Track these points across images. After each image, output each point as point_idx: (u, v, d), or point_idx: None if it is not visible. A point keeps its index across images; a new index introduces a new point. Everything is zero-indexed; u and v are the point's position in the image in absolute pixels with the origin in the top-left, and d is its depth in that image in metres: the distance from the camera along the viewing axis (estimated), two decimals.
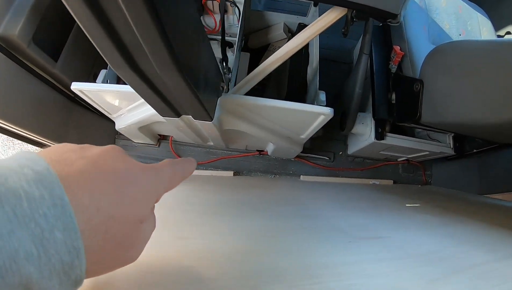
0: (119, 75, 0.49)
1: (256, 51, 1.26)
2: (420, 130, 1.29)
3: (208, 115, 0.79)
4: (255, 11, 1.26)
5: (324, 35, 1.43)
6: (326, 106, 0.86)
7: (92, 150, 0.22)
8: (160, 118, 0.78)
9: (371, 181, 1.26)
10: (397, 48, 0.99)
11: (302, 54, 1.16)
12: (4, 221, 0.15)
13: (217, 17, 1.20)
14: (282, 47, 0.84)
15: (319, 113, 0.86)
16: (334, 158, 1.29)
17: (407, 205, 0.89)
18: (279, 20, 1.27)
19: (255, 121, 0.94)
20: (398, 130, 1.16)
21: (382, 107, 1.08)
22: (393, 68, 1.02)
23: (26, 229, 0.15)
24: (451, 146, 1.21)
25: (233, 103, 0.85)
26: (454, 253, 0.47)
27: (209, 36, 1.22)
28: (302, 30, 0.82)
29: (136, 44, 0.39)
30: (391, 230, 0.59)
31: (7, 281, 0.14)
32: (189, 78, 0.49)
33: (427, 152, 1.20)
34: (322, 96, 0.99)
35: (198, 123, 0.83)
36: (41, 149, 0.20)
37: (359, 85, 1.06)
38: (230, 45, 1.13)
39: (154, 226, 0.26)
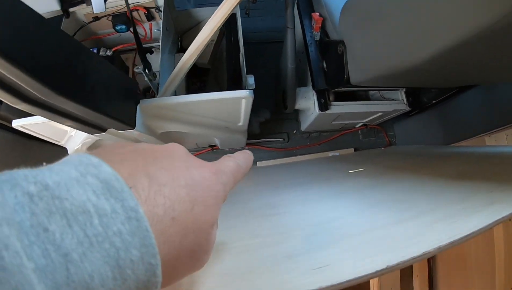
0: (22, 109, 0.51)
1: None
2: (373, 92, 1.26)
3: (127, 124, 0.80)
4: (184, 10, 1.26)
5: (258, 18, 1.42)
6: (254, 89, 0.85)
7: (156, 151, 0.20)
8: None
9: (330, 153, 1.24)
10: (315, 15, 0.98)
11: (232, 42, 1.15)
12: (74, 244, 0.13)
13: (146, 26, 1.21)
14: (195, 38, 0.83)
15: (239, 98, 0.85)
16: (289, 138, 1.28)
17: (350, 171, 0.88)
18: (209, 14, 1.26)
19: (186, 120, 0.94)
20: (349, 97, 1.14)
21: (319, 77, 1.06)
22: (317, 36, 1.00)
23: (99, 250, 0.13)
24: (405, 101, 1.17)
25: (155, 107, 0.86)
26: (349, 221, 0.44)
27: (144, 45, 1.23)
28: (211, 16, 0.81)
29: (13, 81, 0.41)
30: (295, 204, 0.58)
31: None
32: (80, 98, 0.51)
33: (381, 113, 1.17)
34: (250, 79, 0.98)
35: (126, 132, 0.85)
36: (93, 150, 0.18)
37: (291, 60, 1.05)
38: (151, 51, 1.14)
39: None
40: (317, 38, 1.00)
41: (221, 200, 0.22)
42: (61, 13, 1.05)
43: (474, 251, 1.21)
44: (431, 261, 1.45)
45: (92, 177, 0.14)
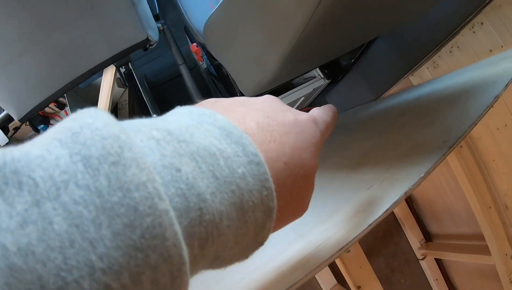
0: None
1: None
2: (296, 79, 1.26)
3: None
4: (88, 85, 1.29)
5: (159, 58, 1.42)
6: None
7: (254, 102, 0.20)
8: None
9: None
10: (192, 47, 0.98)
11: (136, 94, 1.18)
12: (205, 184, 0.13)
13: (63, 114, 1.25)
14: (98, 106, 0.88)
15: None
16: None
17: None
18: None
19: None
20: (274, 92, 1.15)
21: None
22: (203, 64, 1.01)
23: (227, 191, 0.13)
24: (321, 76, 1.17)
25: None
26: None
27: None
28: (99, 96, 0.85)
29: None
30: None
31: (205, 252, 0.13)
32: None
33: (303, 97, 1.17)
34: None
35: None
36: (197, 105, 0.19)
37: (195, 93, 1.07)
38: None
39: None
40: (204, 66, 1.01)
41: (320, 148, 0.22)
42: None
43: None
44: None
45: (208, 124, 0.15)
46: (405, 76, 1.13)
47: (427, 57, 1.00)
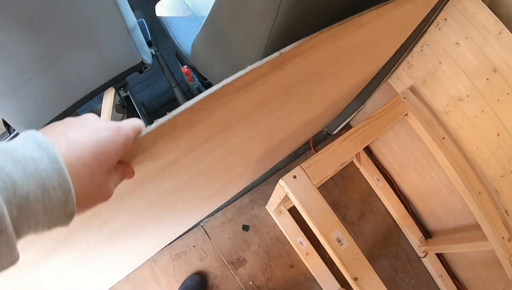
0: None
1: None
2: None
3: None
4: (89, 112, 1.35)
5: (154, 84, 1.50)
6: None
7: (73, 122, 0.29)
8: None
9: None
10: (183, 69, 1.05)
11: None
12: (18, 175, 0.21)
13: None
14: None
15: None
16: None
17: None
18: None
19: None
20: None
21: None
22: (193, 85, 1.08)
23: (32, 179, 0.22)
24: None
25: None
26: None
27: None
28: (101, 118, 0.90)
29: None
30: None
31: (23, 215, 0.21)
32: None
33: None
34: None
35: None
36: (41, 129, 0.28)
37: None
38: None
39: (121, 177, 0.33)
40: (195, 86, 1.08)
41: (120, 148, 0.30)
42: None
43: None
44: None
45: (31, 141, 0.24)
46: (385, 80, 1.21)
47: (401, 58, 1.09)
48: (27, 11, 0.63)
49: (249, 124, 0.65)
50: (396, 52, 1.03)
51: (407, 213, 1.49)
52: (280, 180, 0.92)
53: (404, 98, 1.07)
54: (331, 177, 1.52)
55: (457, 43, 0.87)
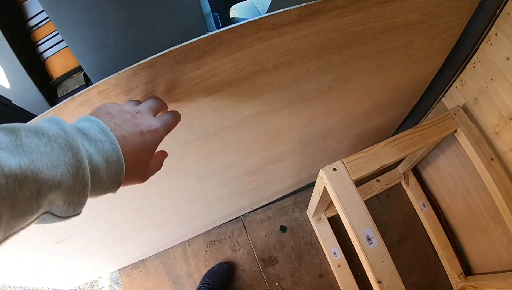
0: None
1: None
2: None
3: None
4: None
5: None
6: None
7: (124, 116, 0.38)
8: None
9: None
10: None
11: None
12: (92, 150, 0.30)
13: None
14: None
15: None
16: None
17: None
18: None
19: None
20: None
21: None
22: None
23: (101, 155, 0.31)
24: None
25: None
26: None
27: None
28: None
29: None
30: None
31: (94, 179, 0.30)
32: None
33: None
34: None
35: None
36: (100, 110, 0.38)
37: None
38: None
39: (159, 166, 0.45)
40: None
41: (157, 142, 0.41)
42: None
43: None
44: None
45: (96, 126, 0.33)
46: (439, 99, 1.23)
47: (455, 77, 1.11)
48: None
49: (284, 78, 0.72)
50: (445, 65, 1.06)
51: (449, 243, 1.42)
52: (321, 170, 0.96)
53: (455, 114, 1.08)
54: (376, 195, 1.51)
55: (508, 58, 0.88)
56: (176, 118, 0.47)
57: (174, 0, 0.86)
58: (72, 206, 0.28)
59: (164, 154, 0.49)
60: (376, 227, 0.91)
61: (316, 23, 0.60)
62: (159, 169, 0.44)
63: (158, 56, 0.49)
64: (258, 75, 0.65)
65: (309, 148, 1.14)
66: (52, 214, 0.28)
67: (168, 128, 0.43)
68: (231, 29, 0.50)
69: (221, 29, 0.50)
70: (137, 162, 0.37)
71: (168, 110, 0.50)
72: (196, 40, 0.50)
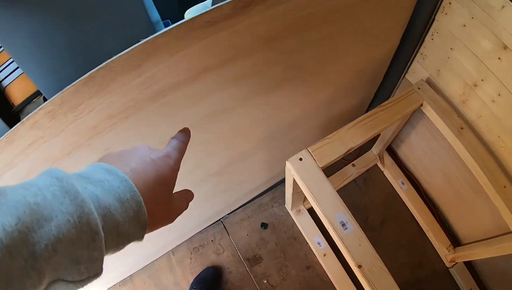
0: None
1: None
2: None
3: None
4: None
5: None
6: None
7: (130, 154, 0.33)
8: None
9: None
10: None
11: None
12: (99, 192, 0.25)
13: None
14: None
15: None
16: None
17: None
18: None
19: None
20: None
21: None
22: None
23: (109, 195, 0.25)
24: None
25: None
26: None
27: None
28: None
29: None
30: None
31: (107, 225, 0.24)
32: None
33: None
34: None
35: None
36: (103, 158, 0.33)
37: None
38: None
39: (185, 205, 0.38)
40: None
41: (176, 171, 0.35)
42: None
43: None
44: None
45: (100, 168, 0.28)
46: (403, 76, 1.21)
47: (415, 51, 1.09)
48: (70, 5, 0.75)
49: (230, 75, 0.69)
50: (403, 41, 1.04)
51: (434, 218, 1.40)
52: (287, 162, 0.93)
53: (418, 88, 1.06)
54: (354, 180, 1.49)
55: (464, 25, 0.86)
56: (183, 137, 0.41)
57: (120, 13, 0.83)
58: (85, 265, 0.23)
59: (188, 192, 0.41)
60: (350, 212, 0.88)
61: (253, 14, 0.58)
62: (186, 207, 0.39)
63: (96, 70, 0.49)
64: (202, 75, 0.64)
65: (275, 143, 1.11)
66: (64, 280, 0.22)
67: (178, 149, 0.38)
68: (164, 33, 0.49)
69: (154, 35, 0.48)
70: (157, 196, 0.31)
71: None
72: (131, 49, 0.48)
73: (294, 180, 0.98)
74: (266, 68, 0.75)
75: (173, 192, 0.35)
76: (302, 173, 0.91)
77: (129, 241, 0.27)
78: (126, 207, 0.26)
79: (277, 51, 0.71)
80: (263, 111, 0.91)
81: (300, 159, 0.93)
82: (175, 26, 0.50)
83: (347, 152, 0.96)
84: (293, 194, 1.15)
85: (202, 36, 0.55)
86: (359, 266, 0.84)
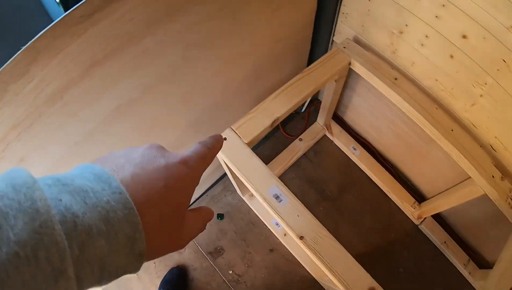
0: None
1: None
2: None
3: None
4: None
5: None
6: None
7: (136, 153, 0.25)
8: None
9: None
10: None
11: None
12: (78, 207, 0.18)
13: None
14: None
15: None
16: None
17: None
18: None
19: None
20: None
21: None
22: None
23: (94, 211, 0.18)
24: None
25: None
26: None
27: None
28: None
29: None
30: None
31: (85, 255, 0.17)
32: None
33: None
34: None
35: None
36: (102, 157, 0.25)
37: None
38: None
39: (202, 226, 0.29)
40: None
41: (193, 182, 0.26)
42: None
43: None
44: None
45: (87, 173, 0.21)
46: (331, 40, 1.16)
47: (336, 12, 1.03)
48: None
49: (123, 65, 0.65)
50: (321, 3, 0.99)
51: (393, 178, 1.37)
52: None
53: (344, 47, 1.01)
54: (304, 154, 1.45)
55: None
56: (211, 144, 0.30)
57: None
58: None
59: (207, 210, 0.31)
60: (283, 184, 0.83)
61: (128, 1, 0.55)
62: (203, 229, 0.30)
63: None
64: (93, 70, 0.60)
65: (203, 129, 1.05)
66: None
67: (200, 156, 0.28)
68: (42, 36, 0.48)
69: (33, 39, 0.47)
70: (165, 214, 0.23)
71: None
72: (15, 57, 0.47)
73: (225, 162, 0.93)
74: (161, 52, 0.70)
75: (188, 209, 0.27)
76: (228, 153, 0.86)
77: (117, 276, 0.21)
78: (116, 231, 0.19)
79: (167, 32, 0.66)
80: (175, 98, 0.85)
81: (225, 138, 0.88)
82: (50, 27, 0.48)
83: (273, 123, 0.91)
84: (234, 178, 1.09)
85: (81, 31, 0.52)
86: (301, 238, 0.79)
